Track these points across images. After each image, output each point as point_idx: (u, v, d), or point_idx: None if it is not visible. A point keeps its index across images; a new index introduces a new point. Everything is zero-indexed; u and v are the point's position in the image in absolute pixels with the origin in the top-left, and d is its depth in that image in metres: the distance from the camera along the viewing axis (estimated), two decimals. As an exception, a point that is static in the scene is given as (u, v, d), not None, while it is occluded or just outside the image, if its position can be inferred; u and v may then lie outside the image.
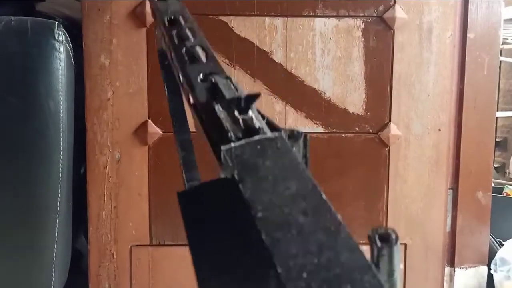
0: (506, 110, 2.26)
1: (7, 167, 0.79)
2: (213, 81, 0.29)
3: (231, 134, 0.25)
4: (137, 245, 0.90)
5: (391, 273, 0.23)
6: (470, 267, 1.02)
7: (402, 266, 0.93)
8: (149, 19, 0.85)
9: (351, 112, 0.90)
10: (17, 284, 0.83)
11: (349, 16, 0.88)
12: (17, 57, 0.77)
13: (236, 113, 0.26)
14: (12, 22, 0.79)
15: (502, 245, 1.10)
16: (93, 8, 0.85)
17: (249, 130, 0.25)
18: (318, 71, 0.89)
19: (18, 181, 0.80)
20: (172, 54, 0.35)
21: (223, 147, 0.23)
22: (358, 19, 0.88)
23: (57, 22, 0.82)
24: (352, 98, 0.89)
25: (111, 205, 0.88)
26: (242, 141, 0.23)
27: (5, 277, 0.82)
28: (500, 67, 1.01)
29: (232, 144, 0.23)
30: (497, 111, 1.05)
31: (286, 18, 0.88)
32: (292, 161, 0.23)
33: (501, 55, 1.02)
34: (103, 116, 0.87)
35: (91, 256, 0.90)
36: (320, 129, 0.90)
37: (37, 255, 0.83)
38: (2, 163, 0.79)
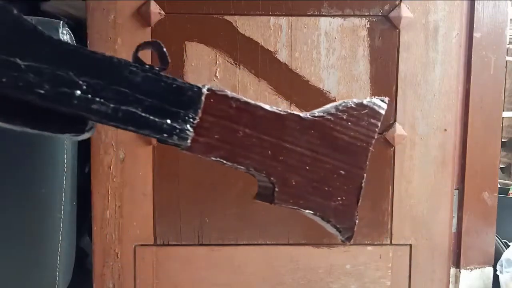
0: (512, 110, 2.24)
1: (11, 166, 0.80)
2: None
3: None
4: (141, 245, 0.90)
5: None
6: (476, 268, 1.02)
7: (407, 267, 0.92)
8: (154, 18, 0.85)
9: (356, 112, 0.89)
10: (22, 283, 0.83)
11: (354, 15, 0.88)
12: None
13: None
14: (17, 22, 0.78)
15: (508, 246, 1.10)
16: (98, 8, 0.85)
17: None
18: (323, 71, 0.88)
19: (23, 181, 0.80)
20: None
21: None
22: (364, 19, 0.88)
23: (61, 22, 0.82)
24: (357, 97, 0.89)
25: (115, 205, 0.88)
26: None
27: (10, 276, 0.82)
28: (506, 67, 1.01)
29: None
30: (503, 111, 1.04)
31: (291, 18, 0.87)
32: None
33: (507, 55, 1.01)
34: (107, 115, 0.86)
35: (95, 255, 0.90)
36: (325, 129, 0.89)
37: (42, 254, 0.83)
38: (7, 163, 0.79)
